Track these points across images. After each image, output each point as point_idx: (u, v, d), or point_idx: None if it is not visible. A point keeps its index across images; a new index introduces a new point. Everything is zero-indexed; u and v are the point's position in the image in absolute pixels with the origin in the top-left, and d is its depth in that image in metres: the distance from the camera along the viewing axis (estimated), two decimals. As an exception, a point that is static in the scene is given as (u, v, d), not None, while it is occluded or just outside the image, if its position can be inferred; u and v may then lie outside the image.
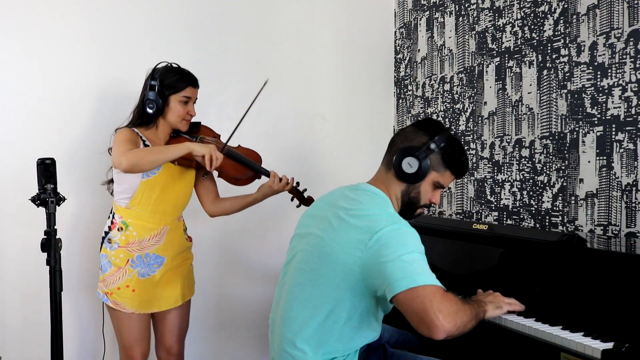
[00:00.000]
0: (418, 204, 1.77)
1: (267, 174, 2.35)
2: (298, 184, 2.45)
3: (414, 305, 1.46)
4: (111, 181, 2.31)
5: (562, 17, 2.36)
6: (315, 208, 1.82)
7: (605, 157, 2.17)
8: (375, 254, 1.52)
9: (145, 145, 2.21)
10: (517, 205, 2.58)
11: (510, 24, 2.61)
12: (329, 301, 1.61)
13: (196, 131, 2.36)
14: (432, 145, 1.68)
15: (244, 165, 2.34)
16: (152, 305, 2.25)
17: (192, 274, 2.41)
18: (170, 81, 2.21)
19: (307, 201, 2.45)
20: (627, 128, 2.09)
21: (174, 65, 2.29)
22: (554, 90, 2.39)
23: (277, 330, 1.72)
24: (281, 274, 1.82)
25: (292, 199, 2.46)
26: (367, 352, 1.73)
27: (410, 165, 1.67)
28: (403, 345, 2.05)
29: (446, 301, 1.46)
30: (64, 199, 1.85)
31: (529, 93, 2.53)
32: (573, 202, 2.31)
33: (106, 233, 2.23)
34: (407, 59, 3.41)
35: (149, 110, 2.21)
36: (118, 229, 2.20)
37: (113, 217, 2.24)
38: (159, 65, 2.26)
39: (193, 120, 2.34)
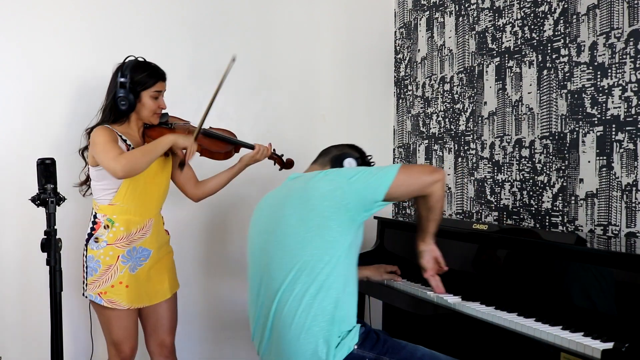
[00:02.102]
0: None
1: (251, 146, 2.46)
2: (274, 150, 2.56)
3: (412, 180, 1.80)
4: (85, 182, 2.31)
5: (562, 17, 2.36)
6: (261, 217, 1.95)
7: (605, 157, 2.17)
8: (349, 174, 1.79)
9: (123, 140, 2.21)
10: (517, 205, 2.58)
11: (510, 24, 2.61)
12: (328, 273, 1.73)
13: (166, 120, 2.38)
14: (365, 159, 2.09)
15: (221, 140, 2.43)
16: (143, 299, 2.26)
17: (174, 267, 2.43)
18: (141, 77, 2.21)
19: (287, 164, 2.57)
20: (627, 128, 2.09)
21: (141, 59, 2.27)
22: (554, 90, 2.40)
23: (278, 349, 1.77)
24: (253, 286, 1.90)
25: (274, 164, 2.56)
26: (366, 334, 1.77)
27: (349, 164, 2.01)
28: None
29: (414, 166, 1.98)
30: (64, 199, 1.85)
31: (529, 93, 2.53)
32: (573, 202, 2.31)
33: (90, 235, 2.22)
34: (407, 59, 3.41)
35: (122, 108, 2.21)
36: (104, 227, 2.20)
37: (95, 217, 2.23)
38: (126, 61, 2.24)
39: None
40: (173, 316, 2.40)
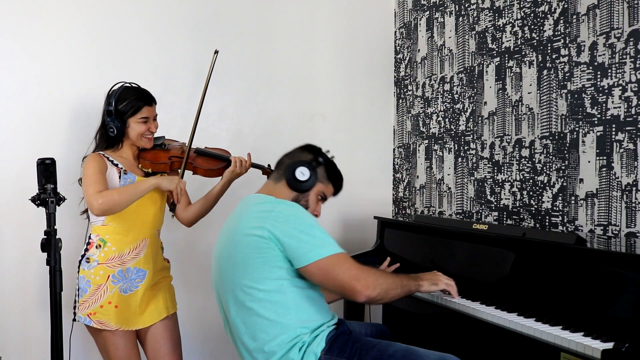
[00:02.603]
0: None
1: (228, 160, 2.40)
2: (269, 165, 2.48)
3: (331, 278, 1.68)
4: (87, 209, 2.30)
5: (562, 17, 2.36)
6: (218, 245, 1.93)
7: (605, 157, 2.17)
8: (280, 225, 1.70)
9: (114, 165, 2.23)
10: (517, 205, 2.58)
11: (510, 24, 2.62)
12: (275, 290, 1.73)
13: (161, 142, 2.39)
14: (320, 159, 1.95)
15: (214, 158, 2.42)
16: (136, 322, 2.22)
17: (172, 290, 2.40)
18: (125, 105, 2.23)
19: None
20: (627, 128, 2.09)
21: (128, 85, 2.28)
22: (554, 90, 2.40)
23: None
24: (219, 306, 1.92)
25: (268, 179, 2.48)
26: (334, 338, 1.76)
27: (302, 173, 1.90)
28: (377, 336, 2.09)
29: (359, 269, 1.71)
30: (64, 199, 1.85)
31: (529, 93, 2.53)
32: (573, 202, 2.31)
33: (82, 256, 2.21)
34: (407, 59, 3.41)
35: (110, 135, 2.25)
36: (96, 247, 2.19)
37: (89, 238, 2.23)
38: (114, 88, 2.27)
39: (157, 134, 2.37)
40: (173, 337, 2.33)
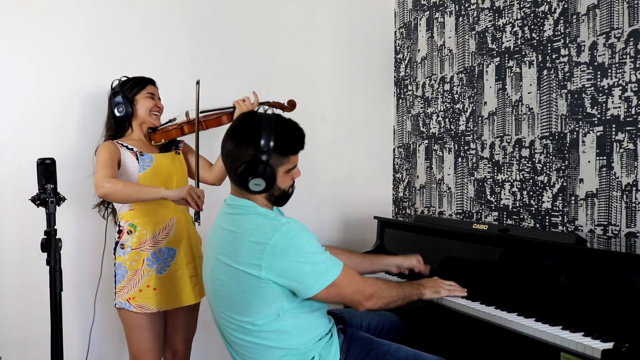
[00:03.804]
0: (286, 192, 1.79)
1: (232, 107, 2.42)
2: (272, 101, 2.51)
3: (337, 299, 1.67)
4: (102, 203, 2.33)
5: (562, 17, 2.36)
6: (208, 245, 1.84)
7: (605, 157, 2.17)
8: (277, 262, 1.58)
9: (129, 149, 2.25)
10: (517, 205, 2.58)
11: (510, 24, 2.62)
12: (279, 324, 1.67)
13: (166, 121, 2.43)
14: (264, 157, 1.64)
15: (218, 110, 2.45)
16: (172, 301, 2.25)
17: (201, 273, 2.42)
18: (130, 85, 2.34)
19: (289, 105, 2.56)
20: (627, 128, 2.09)
21: (126, 77, 2.39)
22: (554, 90, 2.40)
23: None
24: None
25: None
26: (348, 345, 1.76)
27: (257, 184, 1.67)
28: (385, 325, 2.10)
29: (363, 281, 1.71)
30: (64, 199, 1.85)
31: (529, 93, 2.53)
32: (573, 202, 2.31)
33: (116, 243, 2.25)
34: (407, 59, 3.41)
35: (118, 114, 2.30)
36: (127, 233, 2.22)
37: (119, 225, 2.26)
38: (114, 83, 2.36)
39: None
40: (191, 326, 2.41)
